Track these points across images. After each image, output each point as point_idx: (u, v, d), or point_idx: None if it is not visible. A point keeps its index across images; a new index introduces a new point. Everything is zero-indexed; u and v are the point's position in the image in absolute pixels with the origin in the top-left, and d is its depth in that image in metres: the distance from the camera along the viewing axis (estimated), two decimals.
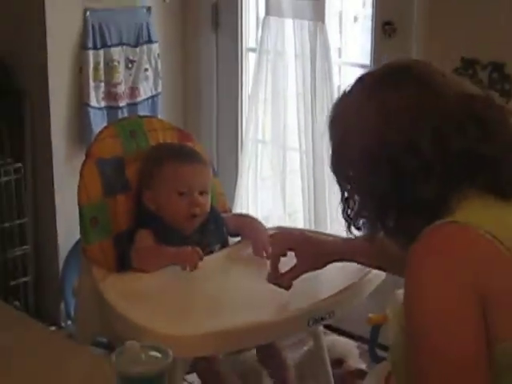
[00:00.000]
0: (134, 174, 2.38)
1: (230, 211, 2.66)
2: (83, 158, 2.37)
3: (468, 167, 1.51)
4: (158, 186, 2.32)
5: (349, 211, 1.66)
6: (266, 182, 3.71)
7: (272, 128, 3.61)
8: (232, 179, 3.65)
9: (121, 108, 3.56)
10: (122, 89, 3.55)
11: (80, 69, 3.44)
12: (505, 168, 1.53)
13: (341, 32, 3.62)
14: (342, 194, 1.66)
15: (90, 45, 3.43)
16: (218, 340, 1.96)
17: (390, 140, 1.52)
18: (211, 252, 2.34)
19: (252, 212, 3.51)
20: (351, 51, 3.67)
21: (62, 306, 3.53)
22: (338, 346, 2.63)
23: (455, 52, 2.90)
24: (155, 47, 3.64)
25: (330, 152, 1.66)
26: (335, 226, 3.15)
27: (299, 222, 3.58)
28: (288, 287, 2.09)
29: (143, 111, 3.60)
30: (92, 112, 3.47)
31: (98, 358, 1.86)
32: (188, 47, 3.85)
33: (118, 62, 3.52)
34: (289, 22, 3.42)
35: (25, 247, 3.58)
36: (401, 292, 1.50)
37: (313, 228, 3.29)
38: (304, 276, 2.10)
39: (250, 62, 3.75)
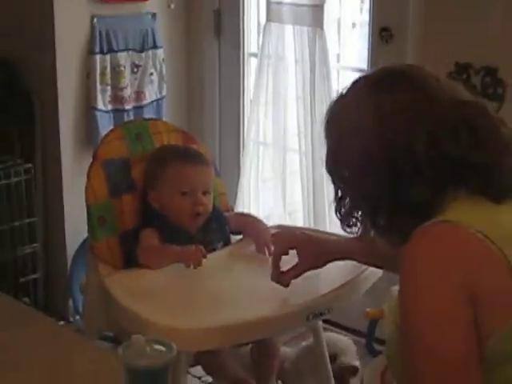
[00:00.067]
0: (140, 175, 2.38)
1: (233, 210, 2.66)
2: (91, 159, 2.37)
3: (460, 172, 1.50)
4: (162, 187, 2.32)
5: (342, 210, 1.66)
6: (267, 182, 3.71)
7: (273, 130, 3.61)
8: (234, 179, 3.66)
9: (127, 111, 3.56)
10: (127, 92, 3.55)
11: (87, 73, 3.45)
12: (496, 175, 1.52)
13: (339, 38, 3.62)
14: (336, 194, 1.66)
15: (97, 50, 3.44)
16: (221, 334, 1.97)
17: (385, 142, 1.51)
18: (213, 250, 2.34)
19: (253, 211, 3.51)
20: (349, 56, 3.67)
21: (70, 301, 3.53)
22: (334, 343, 2.62)
23: (449, 57, 2.90)
24: (160, 52, 3.64)
25: (326, 152, 1.65)
26: (334, 224, 3.16)
27: (299, 220, 3.58)
28: (287, 285, 2.09)
29: (148, 114, 3.60)
30: (99, 115, 3.47)
31: (105, 351, 1.87)
32: (192, 52, 3.85)
33: (124, 67, 3.53)
34: (289, 28, 3.42)
35: (34, 245, 3.58)
36: (396, 288, 1.50)
37: (312, 226, 3.30)
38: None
39: (251, 66, 3.76)
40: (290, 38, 3.43)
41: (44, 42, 3.41)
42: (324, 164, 1.66)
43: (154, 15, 3.62)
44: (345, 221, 1.67)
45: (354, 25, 3.68)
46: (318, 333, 2.46)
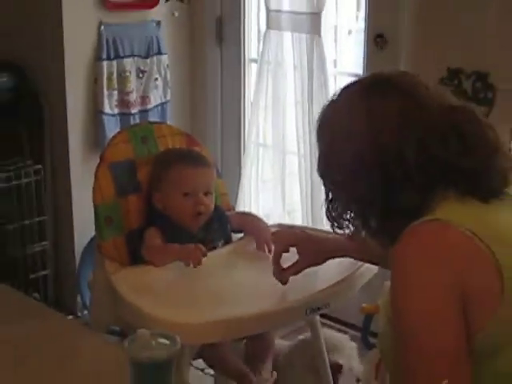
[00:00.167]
0: (145, 177, 2.38)
1: (234, 210, 2.66)
2: (98, 160, 2.37)
3: (450, 176, 1.50)
4: (165, 188, 2.32)
5: (333, 212, 1.65)
6: (267, 183, 3.72)
7: (272, 133, 3.61)
8: (235, 180, 3.66)
9: (133, 115, 3.56)
10: (133, 97, 3.56)
11: (95, 78, 3.45)
12: (484, 178, 1.51)
13: (336, 44, 3.62)
14: (327, 196, 1.64)
15: (104, 56, 3.44)
16: (223, 328, 1.97)
17: (377, 147, 1.50)
18: (215, 248, 2.34)
19: (254, 210, 3.51)
20: (345, 62, 3.67)
21: (79, 297, 3.53)
22: (326, 340, 2.60)
23: (442, 62, 2.90)
24: (164, 58, 3.64)
25: (318, 156, 1.64)
26: None
27: (297, 219, 3.58)
28: (285, 283, 2.10)
29: (153, 117, 3.61)
30: (106, 118, 3.47)
31: (111, 344, 1.87)
32: (195, 58, 3.85)
33: (130, 72, 3.53)
34: (288, 35, 3.42)
35: (44, 243, 3.58)
36: (388, 283, 1.50)
37: (310, 225, 3.30)
38: None
39: (251, 72, 3.76)
40: (289, 44, 3.43)
41: (53, 49, 3.41)
42: (316, 167, 1.65)
43: (158, 23, 3.62)
44: (335, 222, 1.66)
45: (350, 32, 3.68)
46: (316, 327, 2.46)
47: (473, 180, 1.50)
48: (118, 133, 2.52)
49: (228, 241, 2.42)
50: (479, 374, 1.41)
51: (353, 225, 1.64)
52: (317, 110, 3.30)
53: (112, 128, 3.41)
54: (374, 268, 2.18)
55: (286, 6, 3.37)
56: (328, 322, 3.22)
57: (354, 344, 2.67)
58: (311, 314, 2.14)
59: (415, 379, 1.40)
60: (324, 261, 2.09)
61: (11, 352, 1.73)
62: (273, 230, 2.36)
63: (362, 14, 3.34)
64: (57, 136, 3.53)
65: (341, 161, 1.58)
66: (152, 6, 3.58)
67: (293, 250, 2.12)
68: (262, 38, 3.56)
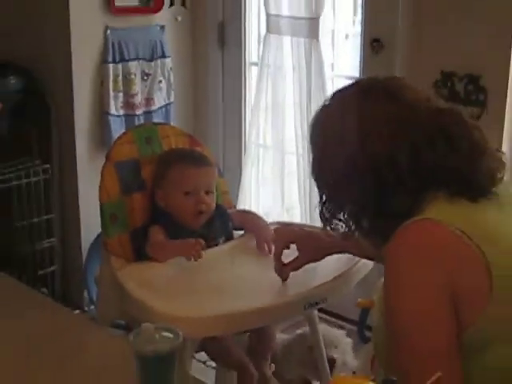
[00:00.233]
0: (149, 176, 2.38)
1: (235, 208, 2.66)
2: (104, 160, 2.37)
3: (439, 178, 1.49)
4: (168, 187, 2.32)
5: (326, 214, 1.64)
6: (267, 182, 3.71)
7: (272, 134, 3.61)
8: (236, 179, 3.66)
9: (137, 116, 3.56)
10: (138, 99, 3.56)
11: (101, 81, 3.45)
12: (472, 178, 1.50)
13: (333, 48, 3.61)
14: (321, 198, 1.63)
15: (110, 59, 3.44)
16: (224, 322, 1.97)
17: (369, 152, 1.49)
18: (216, 245, 2.34)
19: (254, 208, 3.52)
20: (343, 65, 3.67)
21: (85, 292, 3.53)
22: (322, 335, 2.59)
23: (435, 66, 2.90)
24: (168, 61, 3.64)
25: (311, 159, 1.63)
26: None
27: (296, 217, 3.58)
28: (287, 276, 2.10)
29: (157, 119, 3.61)
30: (112, 119, 3.47)
31: (117, 338, 1.87)
32: (197, 61, 3.86)
33: (135, 75, 3.53)
34: (287, 40, 3.42)
35: (52, 240, 3.58)
36: (383, 279, 1.49)
37: (308, 223, 3.30)
38: None
39: (252, 74, 3.76)
40: (288, 48, 3.43)
41: (61, 52, 3.41)
42: (310, 171, 1.64)
43: (162, 27, 3.62)
44: (329, 224, 1.66)
45: (347, 36, 3.68)
46: (314, 321, 2.46)
47: (461, 180, 1.49)
48: (124, 133, 2.52)
49: (229, 238, 2.42)
50: (468, 369, 1.40)
51: (346, 226, 1.63)
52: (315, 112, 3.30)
53: (117, 129, 3.41)
54: (370, 264, 2.19)
55: (285, 11, 3.37)
56: (325, 316, 3.21)
57: (349, 340, 2.67)
58: (309, 309, 2.14)
59: (408, 377, 1.40)
60: (323, 257, 2.09)
61: (20, 345, 1.73)
62: (273, 227, 2.36)
63: (359, 18, 3.34)
64: (64, 136, 3.53)
65: (333, 165, 1.57)
66: (156, 11, 3.59)
67: (293, 246, 2.12)
68: (262, 41, 3.56)
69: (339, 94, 1.63)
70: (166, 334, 1.52)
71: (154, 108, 3.63)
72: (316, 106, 3.29)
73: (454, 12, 2.82)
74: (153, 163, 2.40)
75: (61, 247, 3.64)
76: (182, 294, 2.05)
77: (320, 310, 2.58)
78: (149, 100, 3.61)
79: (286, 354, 2.50)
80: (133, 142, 2.41)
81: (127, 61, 3.50)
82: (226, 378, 2.56)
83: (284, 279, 2.10)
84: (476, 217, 1.48)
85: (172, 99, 3.70)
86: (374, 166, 1.49)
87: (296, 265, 2.10)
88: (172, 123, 3.51)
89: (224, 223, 2.40)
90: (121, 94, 3.50)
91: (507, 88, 2.77)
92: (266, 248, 2.32)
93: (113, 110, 3.48)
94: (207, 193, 2.32)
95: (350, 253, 2.10)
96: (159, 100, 3.65)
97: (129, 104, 3.53)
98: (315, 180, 1.64)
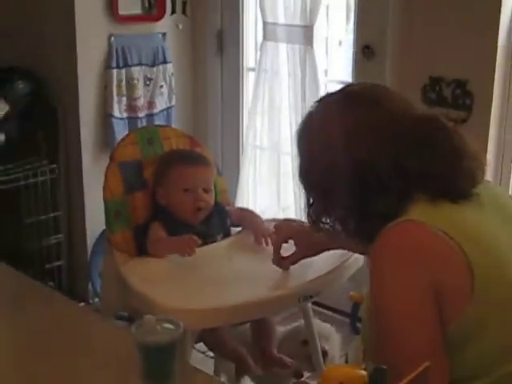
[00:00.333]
0: (151, 175, 2.38)
1: (233, 205, 2.66)
2: (108, 160, 2.37)
3: (422, 182, 1.47)
4: (168, 185, 2.32)
5: (313, 216, 1.63)
6: (263, 182, 3.71)
7: (268, 135, 3.61)
8: (234, 178, 3.65)
9: (140, 118, 3.56)
10: (141, 102, 3.55)
11: (105, 85, 3.45)
12: (453, 182, 1.48)
13: (327, 55, 3.61)
14: (308, 200, 1.62)
15: (114, 65, 3.44)
16: (222, 314, 1.97)
17: (353, 159, 1.48)
18: (214, 241, 2.34)
19: (251, 206, 3.51)
20: (336, 71, 3.66)
21: (90, 285, 3.54)
22: (318, 329, 2.58)
23: (424, 71, 2.90)
24: (169, 67, 3.64)
25: (298, 164, 1.61)
26: None
27: (291, 215, 3.56)
28: (286, 269, 2.11)
29: (159, 121, 3.60)
30: (115, 122, 3.47)
31: (120, 329, 1.86)
32: (197, 67, 3.85)
33: (138, 80, 3.52)
34: (283, 46, 3.42)
35: (58, 236, 3.58)
36: None
37: (303, 220, 3.29)
38: None
39: (249, 79, 3.75)
40: (284, 54, 3.42)
41: (67, 58, 3.41)
42: (297, 175, 1.62)
43: (164, 34, 3.62)
44: (315, 225, 1.65)
45: (340, 43, 3.67)
46: (308, 314, 2.45)
47: (442, 183, 1.48)
48: (127, 135, 2.52)
49: (227, 234, 2.42)
50: (450, 362, 1.39)
51: (332, 228, 1.62)
52: None
53: (121, 131, 3.40)
54: (361, 259, 2.18)
55: (281, 19, 3.37)
56: (319, 308, 3.21)
57: (338, 335, 2.66)
58: (304, 302, 2.15)
59: (395, 371, 1.38)
60: (318, 253, 2.09)
61: (28, 335, 1.73)
62: (273, 223, 2.36)
63: (351, 26, 3.33)
64: (70, 138, 3.52)
65: (319, 170, 1.55)
66: (158, 19, 3.58)
67: (291, 241, 2.13)
68: (259, 48, 3.55)
69: (325, 101, 1.61)
70: (166, 325, 1.52)
71: (155, 111, 3.62)
72: None
73: (441, 20, 2.82)
74: (155, 163, 2.40)
75: (67, 243, 3.63)
76: (183, 287, 2.05)
77: (314, 303, 2.58)
78: (151, 103, 3.61)
79: (280, 348, 2.49)
80: (135, 143, 2.41)
81: (130, 66, 3.49)
82: (224, 368, 2.57)
83: (285, 269, 2.11)
84: (457, 217, 1.46)
85: (173, 103, 3.69)
86: (358, 171, 1.47)
87: (293, 259, 2.11)
88: (173, 125, 3.52)
89: (222, 220, 2.40)
90: (124, 98, 3.49)
91: (492, 92, 2.77)
92: (264, 242, 2.32)
93: (116, 113, 3.47)
94: (205, 190, 2.32)
95: (343, 249, 2.10)
96: (161, 103, 3.64)
97: (132, 107, 3.53)
98: (302, 184, 1.62)
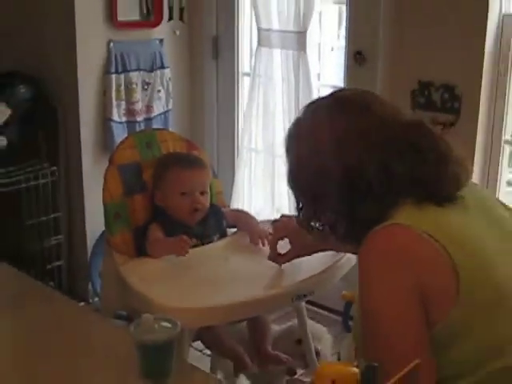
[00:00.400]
0: (150, 178, 2.38)
1: (228, 207, 2.66)
2: (107, 163, 2.37)
3: (408, 186, 1.46)
4: (165, 188, 2.31)
5: (302, 219, 1.62)
6: (258, 183, 3.71)
7: (263, 138, 3.61)
8: (230, 180, 3.66)
9: (138, 122, 3.56)
10: (139, 106, 3.55)
11: (104, 90, 3.45)
12: (438, 186, 1.48)
13: (319, 60, 3.62)
14: (297, 204, 1.61)
15: (113, 70, 3.44)
16: (219, 312, 1.97)
17: (341, 165, 1.46)
18: (211, 242, 2.34)
19: (246, 208, 3.51)
20: (328, 76, 3.67)
21: (90, 285, 3.53)
22: (311, 329, 2.58)
23: (414, 76, 2.91)
24: (167, 72, 3.64)
25: (287, 169, 1.60)
26: None
27: None
28: (281, 264, 2.13)
29: (157, 125, 3.60)
30: (114, 125, 3.47)
31: (119, 328, 1.87)
32: (194, 72, 3.85)
33: (136, 84, 3.52)
34: (277, 52, 3.42)
35: (59, 237, 3.57)
36: None
37: None
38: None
39: (244, 84, 3.76)
40: (278, 59, 3.43)
41: (67, 63, 3.41)
42: (286, 179, 1.61)
43: (161, 40, 3.62)
44: (305, 228, 1.65)
45: (332, 49, 3.68)
46: (302, 313, 2.45)
47: (429, 188, 1.47)
48: (126, 138, 2.51)
49: (223, 235, 2.42)
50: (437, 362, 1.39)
51: (321, 231, 1.61)
52: None
53: (120, 134, 3.40)
54: (354, 259, 2.18)
55: (275, 26, 3.37)
56: (313, 307, 3.21)
57: (330, 336, 2.66)
58: (297, 301, 2.14)
59: (382, 374, 1.38)
60: (312, 253, 2.09)
61: (29, 334, 1.73)
62: (266, 224, 2.36)
63: (343, 32, 3.34)
64: (70, 141, 3.52)
65: (308, 175, 1.54)
66: (155, 25, 3.58)
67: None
68: (253, 54, 3.56)
69: (314, 106, 1.60)
70: (164, 324, 1.52)
71: (153, 115, 3.62)
72: None
73: (430, 27, 2.82)
74: (153, 166, 2.39)
75: (67, 244, 3.63)
76: (180, 287, 2.05)
77: (308, 302, 2.58)
78: (149, 107, 3.61)
79: (275, 347, 2.49)
80: (134, 146, 2.40)
81: (129, 71, 3.49)
82: (220, 366, 2.57)
83: (280, 265, 2.12)
84: (442, 220, 1.45)
85: (170, 107, 3.69)
86: (347, 176, 1.46)
87: (287, 258, 2.12)
88: (170, 129, 3.51)
89: (218, 221, 2.40)
90: (123, 102, 3.49)
91: (480, 96, 2.78)
92: (260, 242, 2.32)
93: (115, 117, 3.47)
94: (202, 193, 2.32)
95: (335, 250, 2.10)
96: (158, 107, 3.64)
97: (130, 111, 3.53)
98: (291, 188, 1.61)
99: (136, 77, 3.52)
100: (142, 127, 3.55)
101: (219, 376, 2.53)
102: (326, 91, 3.44)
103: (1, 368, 1.61)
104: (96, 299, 3.46)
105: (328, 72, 3.67)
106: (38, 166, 3.45)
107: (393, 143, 1.47)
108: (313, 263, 2.14)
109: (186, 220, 2.30)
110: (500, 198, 2.79)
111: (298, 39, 3.29)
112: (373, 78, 3.04)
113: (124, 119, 3.51)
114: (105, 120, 3.48)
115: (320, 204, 1.55)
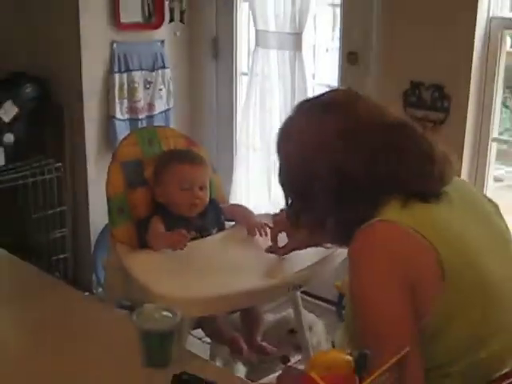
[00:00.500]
0: (151, 173, 2.37)
1: (227, 202, 2.66)
2: (110, 159, 2.37)
3: (393, 186, 1.45)
4: (166, 183, 2.30)
5: (292, 216, 1.62)
6: (256, 179, 3.71)
7: (260, 135, 3.61)
8: (228, 176, 3.65)
9: (140, 120, 3.56)
10: (141, 104, 3.55)
11: (108, 89, 3.45)
12: (422, 184, 1.46)
13: (314, 60, 3.62)
14: (287, 201, 1.60)
15: (116, 70, 3.44)
16: (219, 302, 1.97)
17: (328, 166, 1.45)
18: (209, 235, 2.34)
19: (244, 202, 3.51)
20: (322, 75, 3.67)
21: (94, 276, 3.53)
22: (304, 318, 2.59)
23: (405, 76, 2.91)
24: (168, 72, 3.64)
25: (278, 167, 1.59)
26: None
27: None
28: (281, 255, 2.13)
29: (158, 122, 3.60)
30: (117, 123, 3.47)
31: (122, 317, 1.86)
32: (194, 72, 3.85)
33: (138, 84, 3.52)
34: (273, 52, 3.42)
35: (64, 230, 3.58)
36: None
37: None
38: None
39: (242, 83, 3.75)
40: (275, 60, 3.42)
41: (72, 64, 3.40)
42: (277, 177, 1.60)
43: (162, 41, 3.61)
44: (293, 223, 1.64)
45: (326, 49, 3.68)
46: (297, 302, 2.46)
47: (412, 187, 1.46)
48: (128, 135, 2.50)
49: (221, 228, 2.41)
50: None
51: (310, 227, 1.60)
52: None
53: (122, 131, 3.40)
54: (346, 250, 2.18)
55: (272, 27, 3.37)
56: (308, 298, 3.21)
57: (322, 324, 2.67)
58: (293, 291, 2.15)
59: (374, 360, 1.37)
60: (306, 247, 2.08)
61: (36, 322, 1.73)
62: (262, 218, 2.36)
63: (337, 34, 3.34)
64: (75, 138, 3.52)
65: (296, 175, 1.54)
66: (157, 27, 3.58)
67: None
68: (251, 54, 3.55)
69: (302, 107, 1.58)
70: (165, 313, 1.52)
71: (155, 113, 3.62)
72: None
73: (421, 29, 2.82)
74: (154, 162, 2.39)
75: (72, 236, 3.63)
76: (180, 277, 2.05)
77: (303, 292, 2.59)
78: (150, 106, 3.60)
79: (269, 336, 2.49)
80: (136, 143, 2.40)
81: (131, 71, 3.49)
82: (219, 353, 2.57)
83: (279, 255, 2.12)
84: (427, 216, 1.44)
85: (171, 105, 3.69)
86: (332, 176, 1.45)
87: (285, 250, 2.11)
88: (171, 126, 3.51)
89: (217, 215, 2.40)
90: (125, 101, 3.49)
91: (468, 96, 2.78)
92: (258, 233, 2.31)
93: (118, 115, 3.47)
94: (201, 188, 2.31)
95: (326, 244, 2.09)
96: (160, 106, 3.64)
97: (133, 109, 3.52)
98: (281, 185, 1.59)
99: (138, 76, 3.51)
100: (144, 124, 3.55)
101: (218, 363, 2.53)
102: (320, 90, 3.43)
103: (9, 354, 1.62)
104: (100, 289, 3.46)
105: (323, 72, 3.67)
106: (43, 162, 3.46)
107: (378, 144, 1.46)
108: (308, 255, 2.14)
109: (186, 213, 2.30)
110: (487, 193, 2.82)
111: (294, 40, 3.29)
112: (366, 77, 3.05)
113: (127, 117, 3.51)
114: (108, 117, 3.48)
115: (307, 203, 1.53)
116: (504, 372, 1.45)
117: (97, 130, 3.49)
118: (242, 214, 2.44)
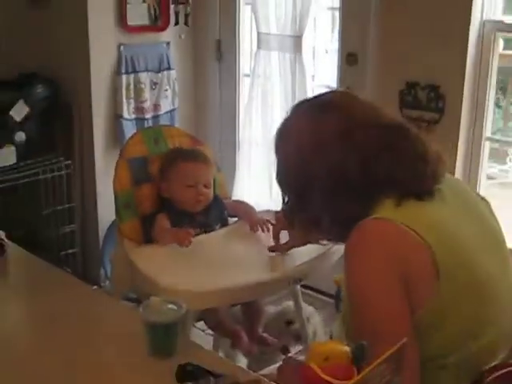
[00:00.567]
0: (156, 171, 2.37)
1: (230, 198, 2.66)
2: (118, 156, 2.37)
3: (387, 185, 1.44)
4: (171, 180, 2.30)
5: (288, 214, 1.61)
6: (257, 176, 3.71)
7: (262, 134, 3.61)
8: (231, 173, 3.65)
9: (146, 119, 3.56)
10: (147, 104, 3.55)
11: (115, 90, 3.45)
12: (417, 185, 1.46)
13: (314, 61, 3.62)
14: (283, 199, 1.59)
15: (123, 71, 3.43)
16: (221, 295, 1.98)
17: (323, 167, 1.44)
18: (213, 230, 2.34)
19: (246, 199, 3.50)
20: (322, 76, 3.67)
21: (102, 270, 3.54)
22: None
23: (401, 77, 2.91)
24: (173, 73, 3.63)
25: (276, 166, 1.58)
26: None
27: None
28: (283, 252, 2.12)
29: (164, 122, 3.60)
30: (124, 122, 3.47)
31: (128, 309, 1.87)
32: (198, 73, 3.85)
33: (145, 84, 3.52)
34: (275, 54, 3.42)
35: (73, 226, 3.58)
36: None
37: None
38: None
39: (245, 84, 3.75)
40: (276, 61, 3.42)
41: (81, 65, 3.41)
42: (275, 176, 1.59)
43: (168, 43, 3.61)
44: (289, 221, 1.63)
45: (326, 51, 3.68)
46: (297, 295, 2.46)
47: (407, 186, 1.45)
48: (135, 134, 2.51)
49: (225, 224, 2.41)
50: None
51: (306, 225, 1.60)
52: None
53: (129, 130, 3.40)
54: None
55: (273, 30, 3.37)
56: (308, 291, 3.21)
57: (319, 316, 2.67)
58: (294, 284, 2.15)
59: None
60: (306, 243, 2.08)
61: (46, 315, 1.73)
62: (264, 214, 2.36)
63: (336, 36, 3.33)
64: (84, 136, 3.52)
65: (293, 174, 1.53)
66: (163, 30, 3.58)
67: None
68: (253, 56, 3.55)
69: (299, 108, 1.57)
70: (170, 306, 1.52)
71: (160, 112, 3.62)
72: None
73: (417, 32, 2.82)
74: (159, 160, 2.39)
75: (81, 232, 3.63)
76: (185, 271, 2.05)
77: (303, 286, 2.59)
78: (156, 106, 3.60)
79: (268, 327, 2.50)
80: (143, 142, 2.40)
81: (138, 72, 3.49)
82: (222, 345, 2.57)
83: (282, 252, 2.12)
84: (421, 213, 1.43)
85: (176, 105, 3.69)
86: (328, 176, 1.44)
87: (286, 247, 2.11)
88: (176, 125, 3.51)
89: (220, 211, 2.40)
90: (132, 101, 3.49)
91: (462, 96, 2.78)
92: (260, 229, 2.31)
93: (125, 114, 3.47)
94: (205, 186, 2.31)
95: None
96: (165, 106, 3.64)
97: (139, 109, 3.52)
98: (278, 184, 1.59)
99: (144, 77, 3.51)
100: (150, 124, 3.54)
101: (220, 354, 2.53)
102: (320, 91, 3.42)
103: (20, 346, 1.62)
104: (107, 283, 3.46)
105: (322, 73, 3.67)
106: (54, 160, 3.46)
107: (373, 145, 1.45)
108: (307, 250, 2.14)
109: (190, 209, 2.30)
110: (481, 190, 2.82)
111: (295, 42, 3.29)
112: (364, 78, 3.05)
113: (133, 116, 3.51)
114: (116, 117, 3.48)
115: (303, 202, 1.53)
116: (493, 364, 1.44)
117: (105, 129, 3.49)
118: (244, 211, 2.44)
